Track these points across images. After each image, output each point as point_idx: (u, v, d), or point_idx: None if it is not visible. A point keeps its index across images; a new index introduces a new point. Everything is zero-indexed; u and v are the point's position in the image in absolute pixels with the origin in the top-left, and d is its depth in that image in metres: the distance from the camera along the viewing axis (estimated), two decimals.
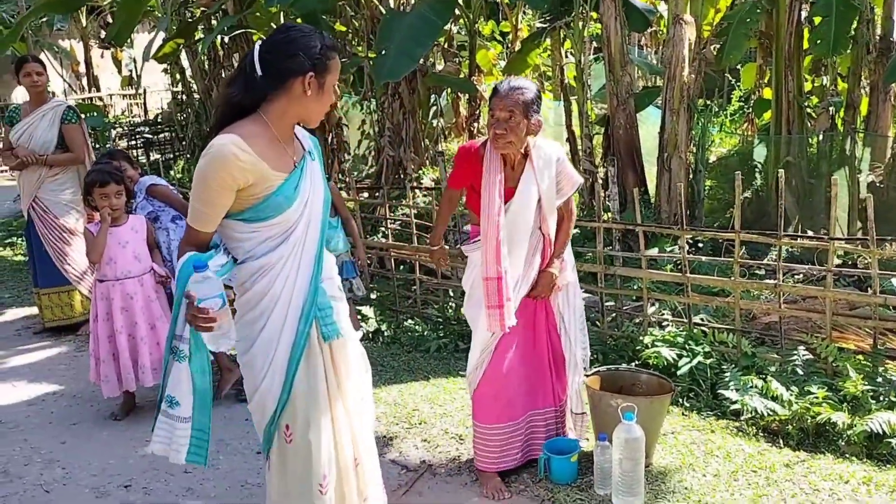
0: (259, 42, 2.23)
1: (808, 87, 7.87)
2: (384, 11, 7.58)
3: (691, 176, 6.92)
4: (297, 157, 2.30)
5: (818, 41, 6.67)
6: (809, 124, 7.27)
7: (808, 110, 7.35)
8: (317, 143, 2.46)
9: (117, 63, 18.18)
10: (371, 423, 2.56)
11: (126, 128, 14.11)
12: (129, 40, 12.09)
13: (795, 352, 4.21)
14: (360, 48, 8.95)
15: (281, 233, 2.23)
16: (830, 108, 7.36)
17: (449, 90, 9.25)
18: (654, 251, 5.44)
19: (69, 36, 17.87)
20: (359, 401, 2.46)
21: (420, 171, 8.45)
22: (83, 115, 5.75)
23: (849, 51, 7.13)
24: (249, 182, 2.13)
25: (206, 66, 10.85)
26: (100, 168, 4.19)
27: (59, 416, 4.24)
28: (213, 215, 2.17)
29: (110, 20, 15.17)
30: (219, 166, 2.10)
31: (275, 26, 8.51)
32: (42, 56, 8.20)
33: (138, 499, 3.34)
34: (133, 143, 12.79)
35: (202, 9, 9.82)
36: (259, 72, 2.18)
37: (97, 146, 11.06)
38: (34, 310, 5.83)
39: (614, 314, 5.02)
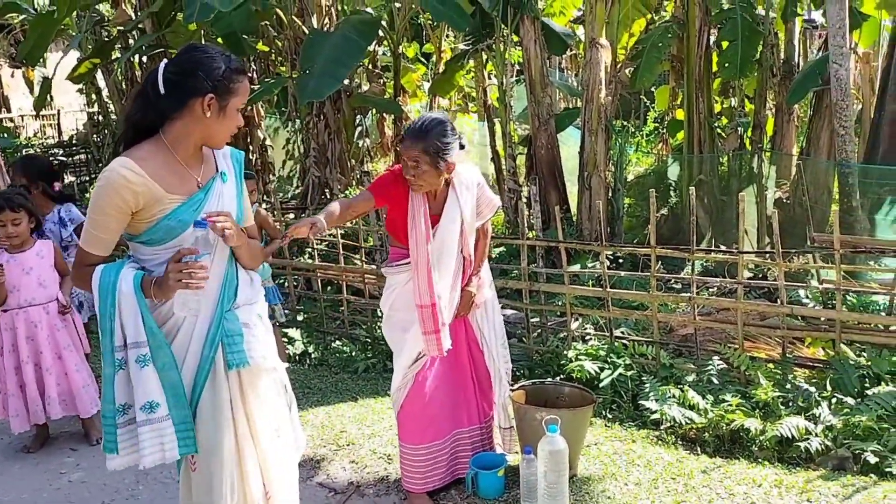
0: (164, 62, 2.20)
1: (717, 108, 8.25)
2: (307, 32, 7.58)
3: (611, 194, 7.14)
4: (205, 179, 2.26)
5: (726, 64, 7.02)
6: (720, 144, 7.62)
7: (719, 130, 7.70)
8: (240, 160, 2.41)
9: (29, 83, 17.53)
10: (291, 456, 2.48)
11: (39, 150, 13.60)
12: (41, 59, 11.68)
13: (710, 362, 4.38)
14: (283, 68, 8.92)
15: None
16: (739, 129, 7.73)
17: (374, 111, 9.29)
18: (576, 267, 5.58)
19: None
20: (272, 432, 2.38)
21: (346, 192, 8.44)
22: None
23: (755, 73, 7.53)
24: (141, 205, 2.11)
25: (123, 86, 10.59)
26: (4, 194, 3.99)
27: None
28: (106, 240, 2.15)
29: (22, 38, 14.64)
30: (109, 191, 2.07)
31: None
32: None
33: None
34: None
35: (119, 27, 9.61)
36: (162, 91, 2.15)
37: (9, 170, 10.61)
38: None
39: (539, 330, 5.12)
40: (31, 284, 3.90)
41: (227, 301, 2.29)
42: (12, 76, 17.31)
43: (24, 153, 12.24)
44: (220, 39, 8.06)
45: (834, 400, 3.90)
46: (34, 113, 16.67)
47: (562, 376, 4.45)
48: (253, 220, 2.50)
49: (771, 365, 4.28)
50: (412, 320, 3.12)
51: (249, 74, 9.91)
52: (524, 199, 7.47)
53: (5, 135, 11.57)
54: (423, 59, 11.34)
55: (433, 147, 2.96)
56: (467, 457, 3.39)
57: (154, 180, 2.11)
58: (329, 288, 6.27)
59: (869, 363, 4.10)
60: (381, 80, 9.61)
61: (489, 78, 9.79)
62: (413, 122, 3.11)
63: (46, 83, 10.69)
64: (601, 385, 4.33)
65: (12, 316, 3.88)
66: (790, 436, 3.64)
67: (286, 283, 6.14)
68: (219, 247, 2.26)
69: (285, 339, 5.35)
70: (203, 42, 8.28)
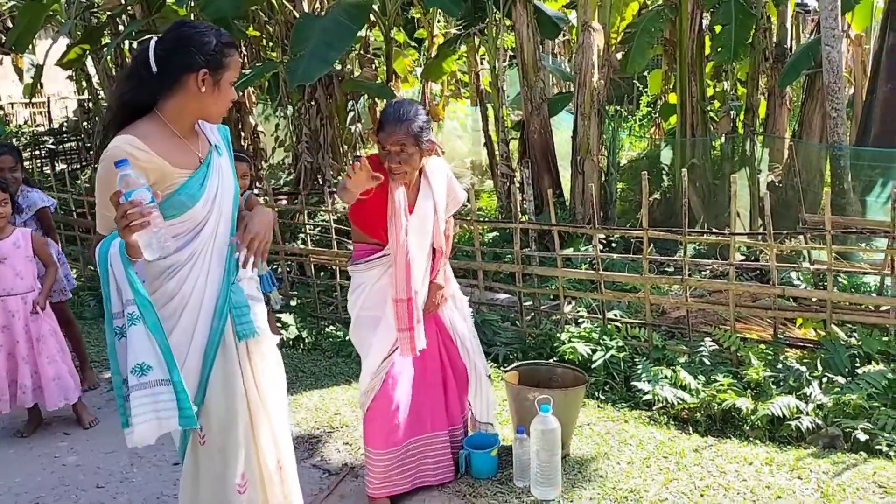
0: (153, 40, 2.18)
1: (710, 92, 8.24)
2: (298, 16, 7.54)
3: (603, 179, 7.15)
4: (203, 153, 2.27)
5: (719, 48, 7.01)
6: (712, 128, 7.62)
7: (711, 114, 7.70)
8: (227, 135, 2.41)
9: (18, 70, 17.40)
10: (289, 430, 2.50)
11: (29, 138, 13.52)
12: (30, 46, 11.59)
13: (702, 343, 4.40)
14: (274, 54, 8.87)
15: (188, 230, 2.20)
16: (731, 112, 7.74)
17: (366, 96, 9.26)
18: (569, 251, 5.59)
19: None
20: (281, 402, 2.42)
21: (339, 177, 8.42)
22: None
23: (747, 57, 7.52)
24: (150, 181, 2.08)
25: (114, 72, 10.52)
26: None
27: None
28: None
29: (10, 25, 14.51)
30: (114, 168, 2.02)
31: None
32: None
33: None
34: (37, 153, 12.27)
35: (108, 13, 9.54)
36: (154, 69, 2.14)
37: None
38: None
39: (533, 313, 5.13)
40: (7, 274, 3.86)
41: (231, 273, 2.29)
42: (0, 63, 17.16)
43: (12, 142, 12.16)
44: None
45: (825, 379, 3.93)
46: (24, 101, 16.57)
47: (555, 359, 4.46)
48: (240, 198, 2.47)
49: (762, 346, 4.31)
50: (380, 318, 3.04)
51: (240, 60, 9.89)
52: (517, 184, 7.47)
53: None
54: (414, 44, 11.30)
55: (415, 127, 2.91)
56: (432, 464, 3.24)
57: (160, 155, 2.12)
58: (322, 273, 6.27)
59: (859, 343, 4.13)
60: (374, 66, 9.57)
61: (481, 63, 9.77)
62: (385, 110, 3.02)
63: (38, 70, 10.61)
64: (594, 367, 4.35)
65: None
66: (781, 415, 3.67)
67: (279, 269, 6.14)
68: (223, 217, 2.27)
69: (279, 325, 5.34)
70: None
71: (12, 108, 16.06)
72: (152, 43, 2.17)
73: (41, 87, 16.02)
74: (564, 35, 12.03)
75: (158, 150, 2.12)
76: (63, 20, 11.06)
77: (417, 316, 3.03)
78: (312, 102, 8.02)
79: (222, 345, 2.25)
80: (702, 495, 3.11)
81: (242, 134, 9.49)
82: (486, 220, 7.15)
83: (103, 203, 2.11)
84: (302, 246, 6.26)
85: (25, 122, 16.09)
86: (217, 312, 2.24)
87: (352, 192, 2.83)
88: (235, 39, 2.30)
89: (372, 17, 8.33)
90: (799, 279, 5.12)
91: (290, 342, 5.38)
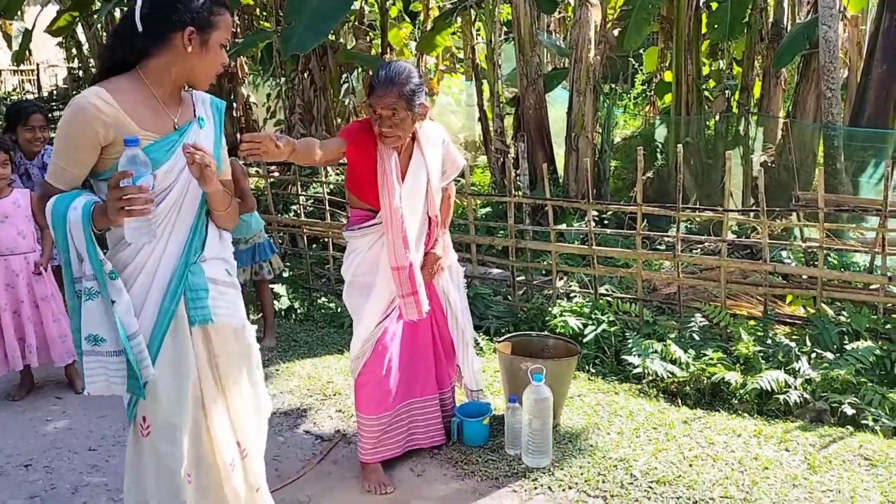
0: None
1: (706, 70, 8.24)
2: None
3: (597, 156, 7.15)
4: (182, 121, 2.14)
5: (715, 26, 7.01)
6: (707, 107, 7.62)
7: (706, 93, 7.70)
8: (220, 110, 2.28)
9: (7, 37, 17.16)
10: (262, 416, 2.40)
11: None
12: (19, 12, 11.42)
13: (693, 319, 4.44)
14: (267, 24, 8.78)
15: None
16: (726, 91, 7.74)
17: (360, 68, 9.19)
18: (562, 226, 5.60)
19: None
20: (244, 389, 2.30)
21: None
22: None
23: (743, 36, 7.51)
24: (110, 139, 1.99)
25: (104, 40, 10.39)
26: None
27: None
28: (72, 173, 2.03)
29: None
30: (79, 119, 1.97)
31: None
32: None
33: (40, 478, 3.22)
34: None
35: None
36: (139, 27, 2.04)
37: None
38: None
39: (525, 287, 5.15)
40: (9, 233, 3.86)
41: (192, 252, 2.16)
42: None
43: (3, 107, 12.03)
44: None
45: (813, 355, 3.98)
46: (12, 68, 16.36)
47: (546, 332, 4.49)
48: (230, 174, 2.32)
49: (752, 322, 4.35)
50: (372, 284, 3.02)
51: (232, 21, 9.78)
52: (511, 159, 7.46)
53: None
54: (409, 19, 11.21)
55: (408, 90, 2.83)
56: (422, 429, 3.28)
57: (127, 114, 2.01)
58: (315, 245, 6.26)
59: (848, 320, 4.17)
60: (368, 38, 9.50)
61: (477, 37, 9.71)
62: (377, 72, 2.93)
63: (27, 35, 10.47)
64: (585, 340, 4.38)
65: None
66: (769, 389, 3.72)
67: (272, 240, 6.12)
68: (190, 190, 2.12)
69: (272, 294, 5.34)
70: None
71: (0, 75, 15.86)
72: (139, 1, 2.07)
73: (30, 54, 15.82)
74: (560, 11, 11.95)
75: (127, 107, 2.01)
76: None
77: (419, 280, 3.01)
78: (306, 73, 7.97)
79: (173, 328, 2.12)
80: (690, 465, 3.15)
81: (235, 104, 9.43)
82: (481, 194, 7.15)
83: (59, 152, 2.02)
84: (294, 217, 6.24)
85: (14, 90, 15.89)
86: (169, 293, 2.11)
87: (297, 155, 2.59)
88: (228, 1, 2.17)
89: None
90: (789, 257, 5.16)
91: (283, 312, 5.38)
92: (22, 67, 16.16)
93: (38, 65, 15.41)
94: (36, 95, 14.82)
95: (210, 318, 2.17)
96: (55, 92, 14.98)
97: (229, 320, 2.24)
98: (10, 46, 17.25)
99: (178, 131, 2.11)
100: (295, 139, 2.61)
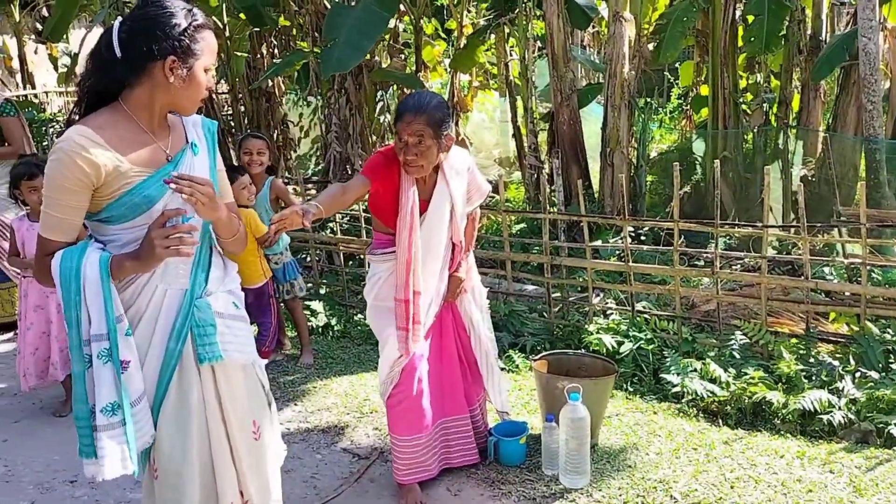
0: (118, 19, 1.93)
1: (742, 84, 8.14)
2: (328, 5, 7.57)
3: (633, 171, 7.10)
4: (174, 150, 2.02)
5: (751, 39, 6.94)
6: (745, 120, 7.53)
7: (744, 106, 7.61)
8: (212, 131, 2.14)
9: (53, 59, 17.65)
10: (272, 459, 2.25)
11: (63, 126, 13.72)
12: (65, 36, 11.75)
13: (733, 337, 4.37)
14: (304, 44, 8.91)
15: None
16: (764, 105, 7.64)
17: (395, 86, 9.27)
18: (598, 242, 5.57)
19: (1, 31, 17.28)
20: (250, 433, 2.15)
21: None
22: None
23: (780, 49, 7.42)
24: (102, 179, 1.87)
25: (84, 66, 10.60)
26: (27, 160, 4.09)
27: None
28: (68, 221, 1.90)
29: (46, 14, 14.73)
30: (66, 163, 1.83)
31: (216, 20, 8.44)
32: None
33: (85, 493, 3.28)
34: None
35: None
36: (118, 54, 1.89)
37: (38, 144, 10.82)
38: None
39: (560, 304, 5.12)
40: None
41: (197, 286, 2.04)
42: (35, 52, 17.43)
43: (49, 129, 12.36)
44: (241, 14, 8.07)
45: (857, 374, 3.89)
46: (58, 90, 16.83)
47: (583, 350, 4.46)
48: (231, 197, 2.21)
49: (794, 340, 4.27)
50: (394, 309, 3.01)
51: (271, 49, 9.94)
52: (546, 175, 7.45)
53: (29, 109, 11.67)
54: (444, 35, 11.30)
55: (436, 118, 2.82)
56: (456, 447, 3.28)
57: (116, 150, 1.88)
58: (351, 262, 6.31)
59: (894, 338, 4.07)
60: (403, 56, 9.58)
61: (510, 53, 9.74)
62: (405, 99, 2.95)
63: (73, 59, 10.76)
64: (622, 358, 4.34)
65: (28, 283, 4.02)
66: (813, 409, 3.64)
67: (308, 258, 6.19)
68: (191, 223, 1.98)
69: (307, 312, 5.39)
70: (225, 15, 8.31)
71: (47, 96, 16.30)
72: (117, 22, 1.92)
73: (75, 76, 16.24)
74: (594, 26, 11.94)
75: (115, 143, 1.89)
76: (97, 10, 11.19)
77: (418, 316, 2.98)
78: (342, 92, 8.05)
79: (179, 369, 2.02)
80: (731, 487, 3.10)
81: (272, 123, 9.56)
82: (516, 210, 7.14)
83: (49, 201, 1.88)
84: (331, 235, 6.30)
85: (60, 111, 16.33)
86: (174, 332, 2.00)
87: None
88: (210, 19, 2.02)
89: (402, 7, 8.33)
90: (832, 273, 5.07)
91: (320, 329, 5.43)
92: (68, 89, 16.60)
93: None
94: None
95: (220, 355, 2.04)
96: None
97: (238, 356, 2.11)
98: (55, 68, 17.77)
99: (171, 162, 1.99)
100: (317, 201, 2.69)
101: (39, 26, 15.65)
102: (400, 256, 2.94)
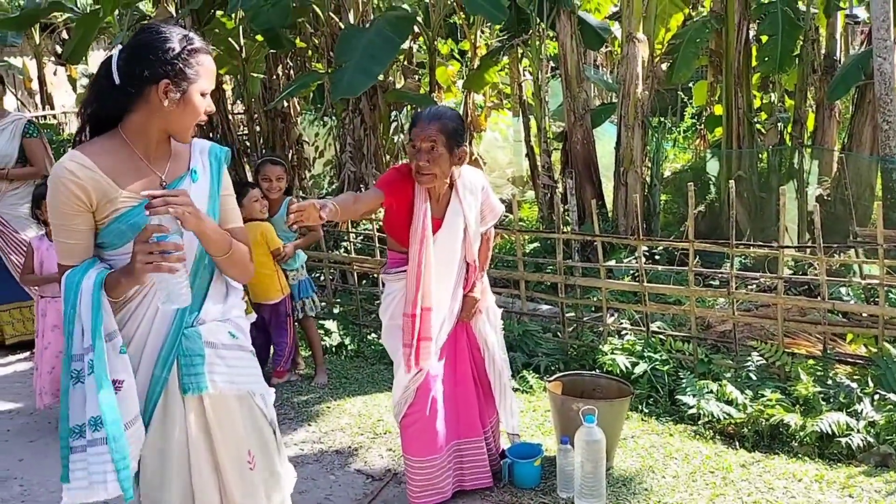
0: (118, 47, 1.97)
1: (757, 103, 8.12)
2: (343, 28, 7.64)
3: (647, 190, 7.09)
4: (171, 177, 2.02)
5: (765, 59, 6.92)
6: (759, 139, 7.51)
7: (758, 126, 7.59)
8: (219, 158, 2.13)
9: (72, 81, 17.90)
10: (270, 491, 2.17)
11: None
12: (84, 58, 11.92)
13: (749, 358, 4.34)
14: (319, 65, 9.00)
15: None
16: (779, 124, 7.61)
17: (409, 106, 9.33)
18: (612, 262, 5.56)
19: (22, 52, 17.56)
20: (240, 463, 2.10)
21: None
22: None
23: (794, 68, 7.41)
24: (94, 203, 1.89)
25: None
26: None
27: (15, 432, 4.16)
28: (76, 245, 1.93)
29: (66, 36, 14.96)
30: (59, 189, 1.87)
31: (232, 42, 8.54)
32: None
33: None
34: None
35: None
36: (116, 81, 1.93)
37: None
38: None
39: (574, 324, 5.10)
40: None
41: (187, 313, 2.01)
42: (55, 74, 17.69)
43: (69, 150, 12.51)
44: (258, 36, 8.17)
45: (876, 396, 3.85)
46: (76, 111, 17.04)
47: (597, 370, 4.44)
48: (237, 222, 2.17)
49: (811, 361, 4.23)
50: None
51: (286, 70, 10.03)
52: (559, 195, 7.45)
53: (48, 131, 11.87)
54: (457, 56, 11.38)
55: (450, 128, 2.83)
56: (469, 470, 3.26)
57: (107, 175, 1.90)
58: (364, 281, 6.32)
59: None
60: (417, 76, 9.64)
61: (524, 74, 9.78)
62: (422, 110, 2.98)
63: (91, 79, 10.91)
64: (636, 378, 4.31)
65: (45, 303, 4.05)
66: (831, 432, 3.60)
67: (322, 276, 6.21)
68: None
69: (321, 331, 5.40)
70: (242, 37, 8.41)
71: (65, 117, 16.52)
72: (116, 50, 1.97)
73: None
74: (607, 46, 11.97)
75: (108, 168, 1.91)
76: (116, 32, 11.35)
77: (426, 332, 2.95)
78: (356, 113, 8.11)
79: (165, 395, 2.00)
80: None
81: (287, 143, 9.64)
82: (529, 230, 7.14)
83: (57, 229, 1.93)
84: (345, 254, 6.32)
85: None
86: (161, 360, 1.98)
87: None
88: (206, 43, 2.01)
89: (416, 29, 8.40)
90: (849, 294, 5.02)
91: (333, 349, 5.43)
92: None
93: None
94: None
95: (204, 386, 2.00)
96: None
97: (227, 387, 2.06)
98: (74, 90, 18.02)
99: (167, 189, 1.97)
100: (333, 201, 2.67)
101: (59, 48, 15.89)
102: (410, 270, 2.93)
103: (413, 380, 3.03)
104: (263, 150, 9.11)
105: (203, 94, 1.98)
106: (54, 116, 15.71)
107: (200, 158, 2.09)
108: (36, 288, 4.89)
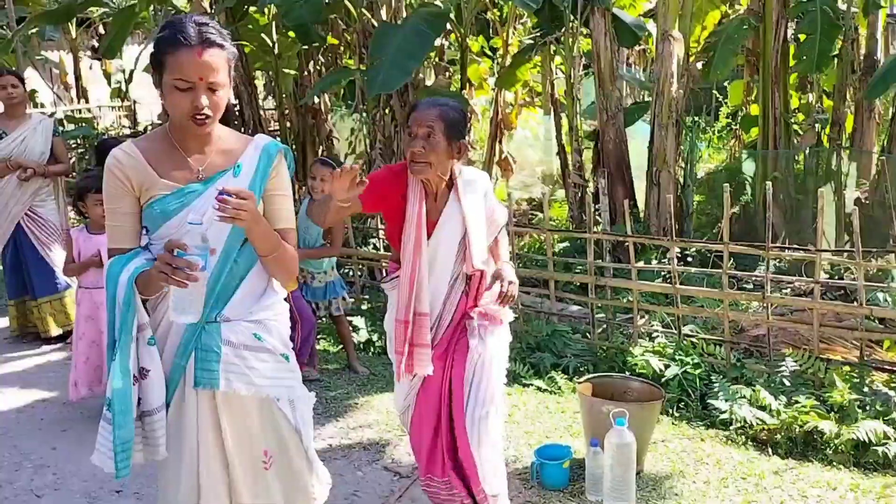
0: None
1: (794, 103, 8.00)
2: (376, 25, 7.65)
3: (680, 191, 7.00)
4: (210, 171, 2.04)
5: (803, 58, 6.80)
6: (796, 140, 7.39)
7: (795, 127, 7.47)
8: (269, 154, 2.09)
9: (107, 75, 18.15)
10: (294, 489, 2.18)
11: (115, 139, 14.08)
12: (119, 52, 12.10)
13: (783, 363, 4.26)
14: (350, 61, 9.02)
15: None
16: (816, 125, 7.49)
17: None
18: (643, 263, 5.49)
19: (58, 47, 17.85)
20: (253, 460, 2.10)
21: None
22: (72, 126, 5.82)
23: (832, 68, 7.28)
24: (138, 189, 1.99)
25: None
26: (94, 174, 4.21)
27: (49, 421, 4.22)
28: (124, 227, 2.02)
29: (102, 31, 15.17)
30: (108, 176, 2.00)
31: (265, 38, 8.59)
32: (29, 68, 8.16)
33: None
34: None
35: None
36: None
37: (86, 158, 11.17)
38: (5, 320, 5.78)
39: (604, 325, 5.06)
40: (96, 267, 4.08)
41: (211, 308, 2.02)
42: (90, 68, 17.95)
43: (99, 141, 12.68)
44: (291, 33, 8.21)
45: None
46: (111, 105, 17.29)
47: (627, 373, 4.39)
48: (286, 223, 2.13)
49: (847, 367, 4.15)
50: None
51: (318, 67, 10.07)
52: (590, 194, 7.39)
53: (83, 124, 12.04)
54: (489, 54, 11.34)
55: (450, 116, 2.57)
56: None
57: (148, 162, 1.99)
58: None
59: None
60: (448, 74, 9.62)
61: (556, 72, 9.71)
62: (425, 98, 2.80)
63: (129, 76, 11.06)
64: (667, 382, 4.26)
65: (81, 293, 4.13)
66: (867, 440, 3.53)
67: (351, 273, 6.23)
68: (211, 236, 1.95)
69: (351, 328, 5.42)
70: (275, 33, 8.46)
71: (100, 111, 16.76)
72: None
73: (126, 91, 16.68)
74: (640, 44, 11.86)
75: (150, 156, 2.01)
76: (151, 28, 11.49)
77: (417, 339, 2.68)
78: (387, 110, 8.12)
79: (181, 386, 2.06)
80: None
81: (317, 139, 9.69)
82: (560, 229, 7.10)
83: (109, 212, 2.03)
84: (374, 251, 6.33)
85: (112, 125, 16.77)
86: (181, 348, 2.04)
87: (326, 205, 2.48)
88: (189, 30, 1.93)
89: (448, 26, 8.38)
90: (887, 300, 4.91)
91: (361, 345, 5.44)
92: (120, 104, 17.05)
93: (133, 101, 16.21)
94: (132, 130, 15.58)
95: (216, 384, 2.02)
96: (150, 127, 15.71)
97: (246, 389, 2.05)
98: (109, 84, 18.27)
99: (203, 182, 2.02)
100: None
101: (95, 43, 16.12)
102: (403, 273, 2.67)
103: (412, 385, 2.81)
104: (294, 147, 9.16)
105: (179, 88, 1.92)
106: (89, 110, 15.94)
107: (254, 154, 2.08)
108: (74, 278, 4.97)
